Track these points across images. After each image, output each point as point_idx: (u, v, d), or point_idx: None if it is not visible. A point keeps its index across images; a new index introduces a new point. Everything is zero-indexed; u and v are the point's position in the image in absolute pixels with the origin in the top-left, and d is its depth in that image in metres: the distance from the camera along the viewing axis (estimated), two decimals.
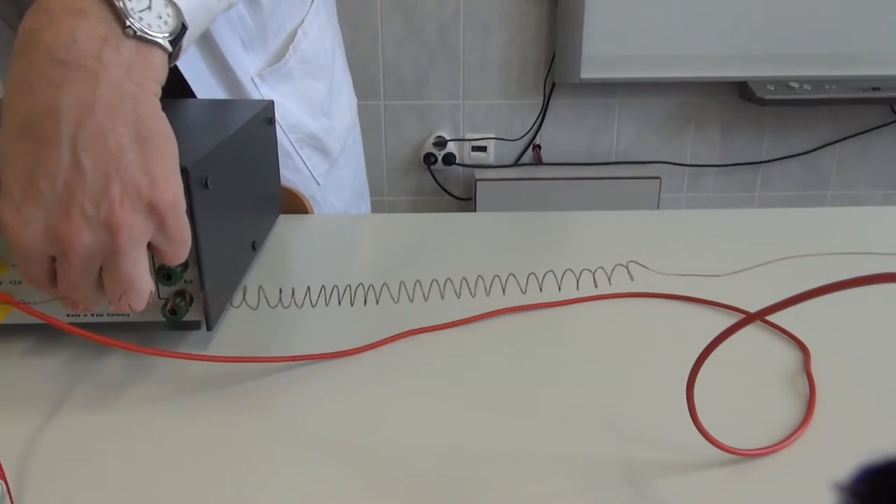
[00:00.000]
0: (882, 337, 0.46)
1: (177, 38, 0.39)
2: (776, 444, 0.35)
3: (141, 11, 0.37)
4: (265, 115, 0.60)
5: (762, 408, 0.39)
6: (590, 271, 0.46)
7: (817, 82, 1.79)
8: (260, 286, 0.46)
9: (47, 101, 0.34)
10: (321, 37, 0.77)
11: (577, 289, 0.49)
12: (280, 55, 0.71)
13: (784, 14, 1.76)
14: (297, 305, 0.43)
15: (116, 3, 0.36)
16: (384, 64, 1.90)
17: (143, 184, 0.35)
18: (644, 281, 0.53)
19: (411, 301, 0.46)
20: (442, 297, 0.46)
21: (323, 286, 0.45)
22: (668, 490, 0.33)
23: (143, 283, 0.37)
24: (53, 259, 0.36)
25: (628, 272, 0.46)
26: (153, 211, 0.36)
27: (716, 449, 0.34)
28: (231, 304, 0.47)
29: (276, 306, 0.44)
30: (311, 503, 0.32)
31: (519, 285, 0.46)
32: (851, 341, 0.45)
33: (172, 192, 0.36)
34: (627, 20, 1.77)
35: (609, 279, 0.46)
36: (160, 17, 0.38)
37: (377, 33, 1.86)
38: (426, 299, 0.46)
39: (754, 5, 1.76)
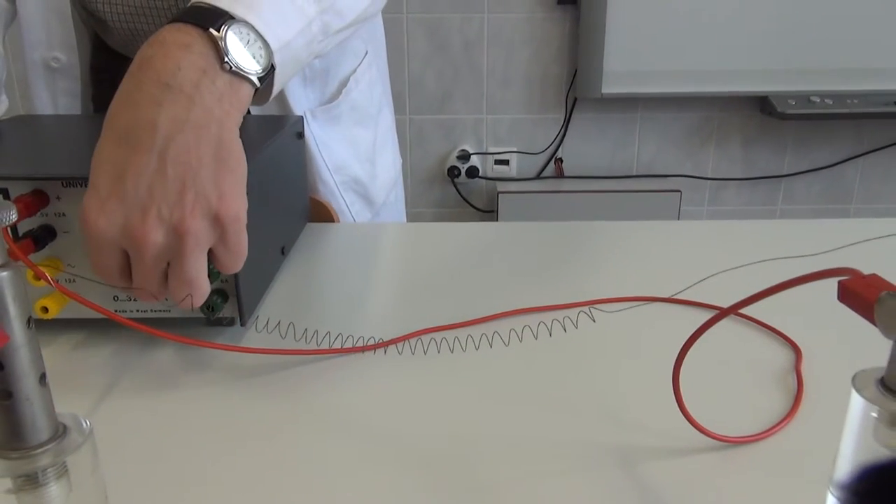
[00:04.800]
0: (873, 339, 0.48)
1: (265, 76, 0.45)
2: (759, 434, 0.38)
3: (238, 51, 0.43)
4: (294, 129, 0.65)
5: (751, 402, 0.42)
6: (556, 323, 0.49)
7: (839, 97, 1.80)
8: (291, 323, 0.50)
9: (148, 115, 0.39)
10: (370, 89, 0.83)
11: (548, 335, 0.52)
12: (333, 97, 0.76)
13: (805, 29, 1.78)
14: (305, 342, 0.47)
15: (219, 42, 0.42)
16: (410, 79, 1.95)
17: (213, 196, 0.40)
18: (641, 287, 0.56)
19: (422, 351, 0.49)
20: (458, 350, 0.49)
21: (329, 332, 0.49)
22: (656, 471, 0.36)
23: (203, 284, 0.42)
24: (124, 255, 0.41)
25: (590, 315, 0.50)
26: (218, 221, 0.40)
27: (704, 437, 0.37)
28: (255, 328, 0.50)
29: (296, 338, 0.48)
30: (335, 477, 0.36)
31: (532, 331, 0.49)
32: (843, 343, 0.48)
33: (237, 207, 0.41)
34: (648, 36, 1.80)
35: (575, 323, 0.50)
36: (254, 57, 0.44)
37: (403, 48, 1.92)
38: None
39: (775, 20, 1.78)
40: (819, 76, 1.81)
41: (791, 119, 1.81)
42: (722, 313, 0.31)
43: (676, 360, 0.34)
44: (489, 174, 2.03)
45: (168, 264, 0.41)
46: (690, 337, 0.33)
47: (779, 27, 1.78)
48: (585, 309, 0.52)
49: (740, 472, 0.36)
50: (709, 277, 0.54)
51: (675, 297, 0.53)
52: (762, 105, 1.89)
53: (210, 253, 0.42)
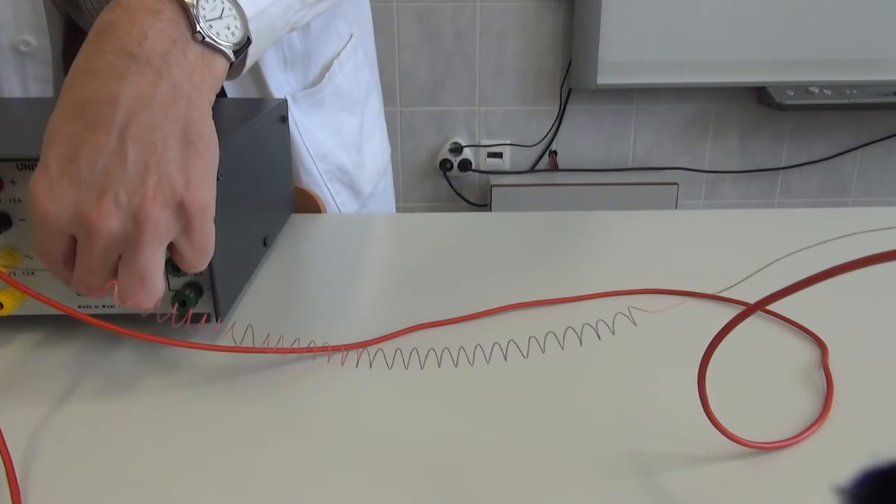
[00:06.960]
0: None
1: (241, 49, 0.40)
2: (790, 439, 0.34)
3: (212, 20, 0.39)
4: (278, 112, 0.61)
5: (778, 403, 0.38)
6: (591, 326, 0.46)
7: (838, 87, 1.77)
8: (249, 325, 0.46)
9: (108, 87, 0.35)
10: (356, 74, 0.78)
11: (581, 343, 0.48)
12: (316, 81, 0.72)
13: (803, 18, 1.75)
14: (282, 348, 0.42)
15: (191, 9, 0.37)
16: (400, 70, 1.91)
17: (179, 183, 0.35)
18: (655, 279, 0.52)
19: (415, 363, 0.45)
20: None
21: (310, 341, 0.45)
22: (677, 481, 0.32)
23: (156, 281, 0.37)
24: (72, 241, 0.36)
25: (631, 318, 0.46)
26: (182, 211, 0.35)
27: (729, 442, 0.33)
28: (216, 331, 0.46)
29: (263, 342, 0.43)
30: (321, 490, 0.32)
31: (531, 347, 0.46)
32: (870, 338, 0.44)
33: (205, 196, 0.36)
34: (644, 26, 1.77)
35: (612, 328, 0.46)
36: (228, 28, 0.40)
37: (393, 39, 1.87)
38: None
39: (773, 10, 1.75)
40: (818, 66, 1.78)
41: (789, 110, 1.78)
42: (749, 308, 0.27)
43: (702, 359, 0.30)
44: (482, 167, 1.99)
45: (119, 258, 0.36)
46: (717, 335, 0.29)
47: (777, 16, 1.75)
48: (625, 310, 0.47)
49: (770, 479, 0.32)
50: (767, 267, 0.51)
51: (720, 294, 0.50)
52: (760, 96, 1.86)
53: (171, 249, 0.37)
